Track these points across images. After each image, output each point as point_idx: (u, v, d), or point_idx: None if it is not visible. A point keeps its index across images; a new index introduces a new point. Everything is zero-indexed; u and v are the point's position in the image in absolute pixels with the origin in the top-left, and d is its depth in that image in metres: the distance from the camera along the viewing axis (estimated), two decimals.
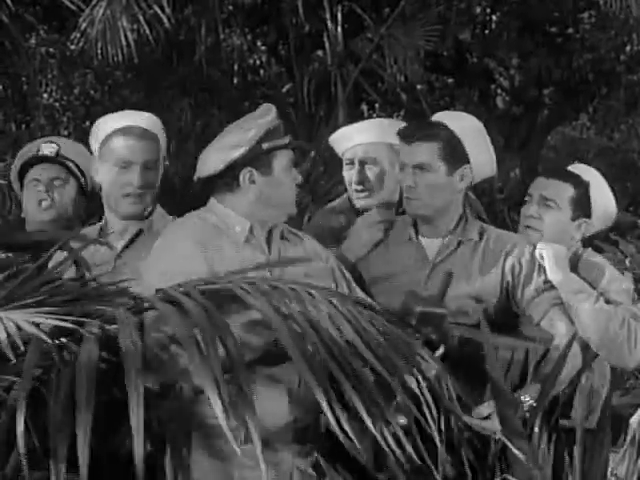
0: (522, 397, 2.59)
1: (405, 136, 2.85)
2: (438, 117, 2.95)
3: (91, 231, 3.01)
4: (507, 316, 2.83)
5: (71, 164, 3.22)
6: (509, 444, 2.33)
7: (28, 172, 3.24)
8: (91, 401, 1.73)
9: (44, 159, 3.23)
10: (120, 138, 2.93)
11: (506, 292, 2.80)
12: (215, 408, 1.79)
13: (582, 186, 2.94)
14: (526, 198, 3.01)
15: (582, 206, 2.93)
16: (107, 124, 3.01)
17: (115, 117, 3.11)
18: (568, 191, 2.93)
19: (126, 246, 2.93)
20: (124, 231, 2.97)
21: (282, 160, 2.56)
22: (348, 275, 2.71)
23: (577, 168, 3.05)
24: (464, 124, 2.92)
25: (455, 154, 2.80)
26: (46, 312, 1.96)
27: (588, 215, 2.95)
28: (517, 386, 2.64)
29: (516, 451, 2.33)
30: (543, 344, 2.69)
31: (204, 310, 1.98)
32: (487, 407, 2.54)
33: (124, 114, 3.15)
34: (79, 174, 3.23)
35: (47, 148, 3.21)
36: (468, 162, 2.82)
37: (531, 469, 2.37)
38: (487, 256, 2.81)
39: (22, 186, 3.29)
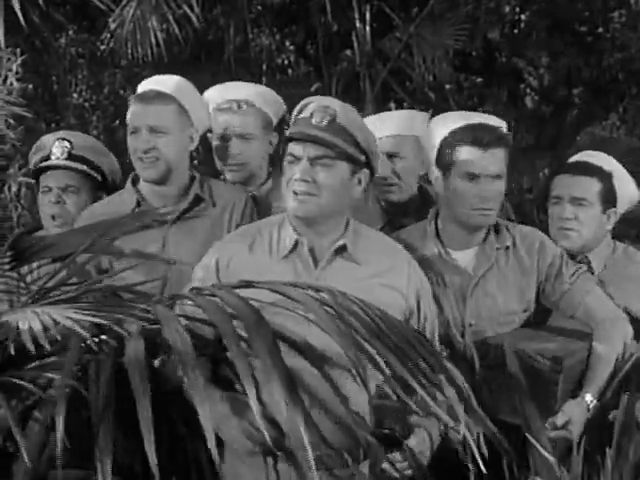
0: (585, 398, 2.56)
1: (478, 142, 2.72)
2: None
3: (118, 203, 2.99)
4: (538, 312, 2.83)
5: (83, 166, 3.15)
6: (537, 445, 2.31)
7: (40, 175, 3.17)
8: (147, 398, 1.72)
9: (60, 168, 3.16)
10: (133, 104, 2.94)
11: (538, 290, 2.79)
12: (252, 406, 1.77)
13: (607, 178, 2.96)
14: (553, 200, 2.98)
15: (610, 197, 2.96)
16: (137, 90, 3.09)
17: (143, 83, 3.11)
18: (596, 186, 2.94)
19: (181, 213, 2.93)
20: (169, 197, 2.95)
21: None
22: (435, 320, 2.59)
23: (593, 157, 3.04)
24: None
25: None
26: (81, 309, 1.97)
27: (615, 204, 2.96)
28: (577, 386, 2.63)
29: (544, 452, 2.31)
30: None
31: (246, 306, 1.95)
32: (561, 417, 2.52)
33: (153, 79, 3.13)
34: (94, 173, 3.18)
35: (58, 149, 3.13)
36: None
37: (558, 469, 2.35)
38: (521, 261, 2.78)
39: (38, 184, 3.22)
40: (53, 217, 3.11)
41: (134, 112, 2.92)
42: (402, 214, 3.29)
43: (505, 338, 2.62)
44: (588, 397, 2.58)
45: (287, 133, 2.51)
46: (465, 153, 2.72)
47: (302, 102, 2.53)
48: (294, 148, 2.45)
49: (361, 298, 2.10)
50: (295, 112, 2.53)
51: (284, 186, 2.49)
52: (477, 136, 2.72)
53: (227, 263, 2.50)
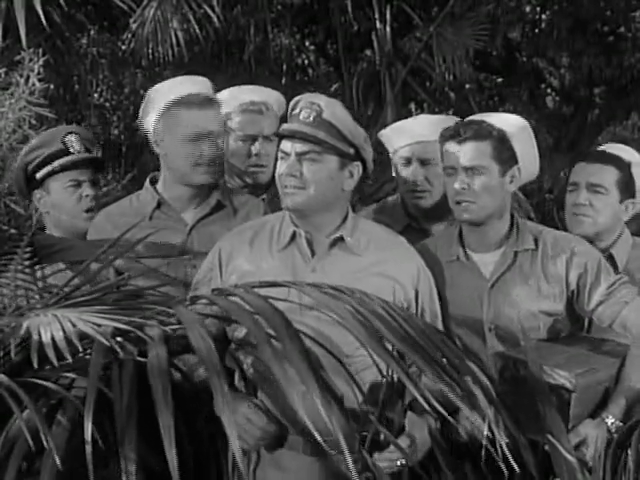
0: (606, 419, 2.45)
1: (454, 135, 2.69)
2: (480, 117, 2.83)
3: (136, 203, 2.98)
4: (574, 322, 2.75)
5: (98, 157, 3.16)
6: (561, 449, 2.27)
7: (57, 173, 3.11)
8: (169, 403, 1.71)
9: (86, 161, 3.14)
10: (184, 109, 2.86)
11: (570, 299, 2.69)
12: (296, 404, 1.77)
13: (625, 167, 2.93)
14: (570, 187, 2.96)
15: (627, 187, 2.93)
16: (166, 93, 2.92)
17: (171, 85, 3.01)
18: (613, 174, 2.92)
19: (202, 217, 2.93)
20: (191, 200, 2.94)
21: None
22: (436, 315, 2.59)
23: (613, 148, 3.03)
24: (511, 123, 2.84)
25: (506, 154, 2.70)
26: (101, 312, 1.97)
27: (633, 195, 2.93)
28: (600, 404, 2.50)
29: (568, 456, 2.28)
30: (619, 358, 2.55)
31: (270, 306, 1.95)
32: (573, 437, 2.42)
33: (181, 80, 3.04)
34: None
35: (76, 143, 3.08)
36: (517, 163, 2.73)
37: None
38: (547, 266, 2.69)
39: (34, 184, 3.11)
40: (90, 210, 3.05)
41: (189, 117, 2.84)
42: (433, 219, 3.26)
43: (527, 352, 2.52)
44: (610, 419, 2.44)
45: (279, 130, 2.56)
46: (446, 148, 2.72)
47: (294, 99, 2.56)
48: (284, 145, 2.51)
49: (378, 296, 2.14)
50: (289, 110, 2.56)
51: (277, 181, 2.53)
52: (457, 130, 2.70)
53: (229, 256, 2.56)
